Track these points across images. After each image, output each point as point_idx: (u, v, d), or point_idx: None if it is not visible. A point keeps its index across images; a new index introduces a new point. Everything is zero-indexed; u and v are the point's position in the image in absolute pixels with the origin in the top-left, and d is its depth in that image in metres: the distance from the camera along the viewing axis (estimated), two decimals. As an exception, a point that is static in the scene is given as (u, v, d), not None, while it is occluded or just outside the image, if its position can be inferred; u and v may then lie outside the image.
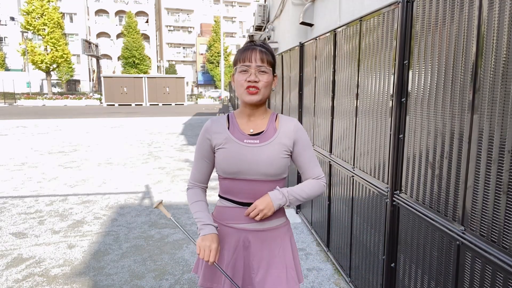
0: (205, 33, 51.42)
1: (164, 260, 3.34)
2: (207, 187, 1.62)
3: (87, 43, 35.94)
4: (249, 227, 1.49)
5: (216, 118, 1.55)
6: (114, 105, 31.45)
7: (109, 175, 6.60)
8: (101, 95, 33.63)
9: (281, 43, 9.54)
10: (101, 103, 32.80)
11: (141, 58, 43.29)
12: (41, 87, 40.51)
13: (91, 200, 5.14)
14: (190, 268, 3.17)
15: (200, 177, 1.56)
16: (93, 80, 47.35)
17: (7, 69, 41.22)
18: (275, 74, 1.51)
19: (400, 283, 2.11)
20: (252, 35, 12.86)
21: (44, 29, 33.53)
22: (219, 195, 1.56)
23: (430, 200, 1.80)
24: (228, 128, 1.49)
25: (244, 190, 1.46)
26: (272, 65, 1.47)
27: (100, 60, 40.69)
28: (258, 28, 12.66)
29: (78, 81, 46.50)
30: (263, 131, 1.48)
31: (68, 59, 36.07)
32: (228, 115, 1.56)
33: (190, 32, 52.95)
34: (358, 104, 2.61)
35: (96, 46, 38.97)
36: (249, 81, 1.41)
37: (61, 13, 37.21)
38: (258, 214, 1.42)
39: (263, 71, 1.42)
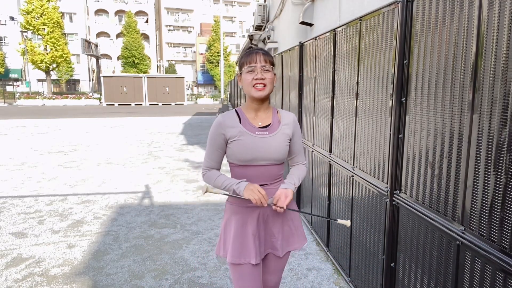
0: (204, 32, 51.37)
1: (163, 260, 3.34)
2: (219, 170, 1.84)
3: (87, 43, 35.92)
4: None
5: (226, 113, 1.78)
6: (113, 104, 31.45)
7: (108, 175, 6.60)
8: (100, 94, 33.60)
9: (281, 42, 9.54)
10: (100, 103, 32.79)
11: (140, 58, 43.25)
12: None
13: (91, 200, 5.13)
14: (190, 268, 3.18)
15: (214, 164, 1.80)
16: (92, 80, 47.31)
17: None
18: (274, 74, 1.76)
19: (400, 282, 2.11)
20: (252, 35, 12.85)
21: (44, 28, 33.53)
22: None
23: (429, 199, 1.80)
24: (240, 122, 1.73)
25: (256, 174, 1.74)
26: (273, 64, 1.75)
27: (99, 60, 40.67)
28: (258, 28, 12.65)
29: (78, 80, 46.47)
30: (270, 124, 1.77)
31: (67, 59, 36.07)
32: (236, 110, 1.79)
33: (190, 31, 52.91)
34: (358, 103, 2.61)
35: (96, 45, 38.94)
36: (256, 79, 1.67)
37: (61, 12, 37.21)
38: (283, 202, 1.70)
39: (267, 70, 1.70)
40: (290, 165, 1.95)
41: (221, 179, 1.75)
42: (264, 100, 1.75)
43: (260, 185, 1.73)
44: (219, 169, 1.83)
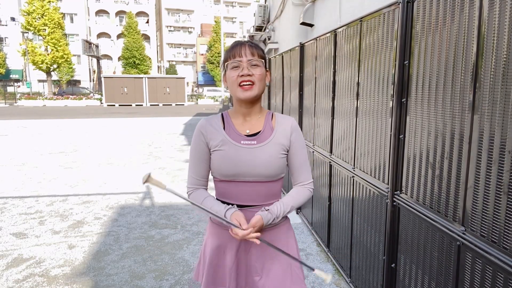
0: (205, 33, 51.41)
1: (164, 260, 3.34)
2: (207, 188, 1.55)
3: (88, 44, 35.95)
4: None
5: (210, 118, 1.51)
6: (114, 105, 31.45)
7: (109, 175, 6.60)
8: (101, 95, 33.62)
9: (281, 43, 9.54)
10: (101, 103, 32.80)
11: (141, 59, 43.28)
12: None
13: (92, 200, 5.14)
14: (191, 269, 3.18)
15: (200, 181, 1.51)
16: (93, 81, 47.35)
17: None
18: (267, 69, 1.48)
19: (401, 283, 2.11)
20: (253, 36, 12.86)
21: (45, 29, 33.56)
22: (216, 198, 1.52)
23: (430, 200, 1.80)
24: (224, 128, 1.46)
25: (241, 192, 1.44)
26: (263, 58, 1.46)
27: (100, 61, 40.70)
28: (259, 29, 12.66)
29: (79, 81, 46.53)
30: (260, 132, 1.46)
31: (68, 60, 36.09)
32: (222, 114, 1.53)
33: (190, 32, 52.96)
34: (358, 104, 2.61)
35: (97, 46, 38.97)
36: (242, 75, 1.38)
37: (62, 13, 37.23)
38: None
39: (255, 64, 1.41)
40: (293, 185, 1.59)
41: (207, 203, 1.44)
42: (255, 102, 1.46)
43: (246, 207, 1.45)
44: (206, 186, 1.54)
